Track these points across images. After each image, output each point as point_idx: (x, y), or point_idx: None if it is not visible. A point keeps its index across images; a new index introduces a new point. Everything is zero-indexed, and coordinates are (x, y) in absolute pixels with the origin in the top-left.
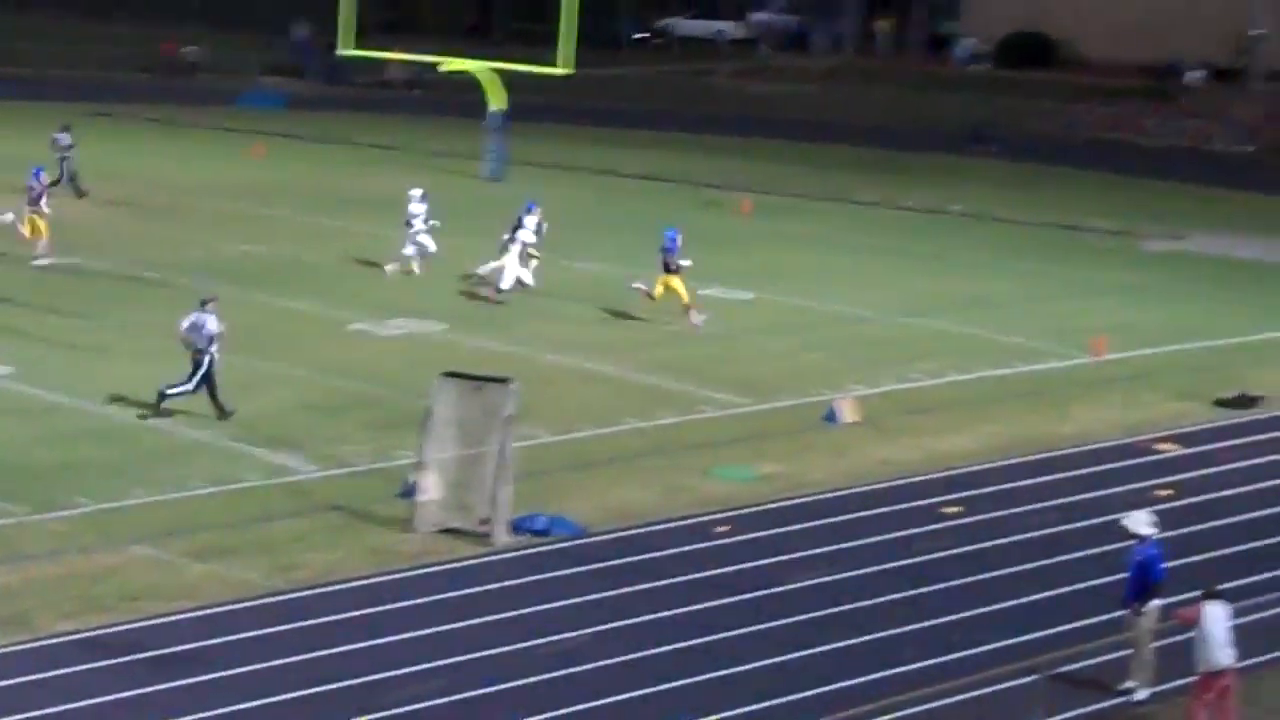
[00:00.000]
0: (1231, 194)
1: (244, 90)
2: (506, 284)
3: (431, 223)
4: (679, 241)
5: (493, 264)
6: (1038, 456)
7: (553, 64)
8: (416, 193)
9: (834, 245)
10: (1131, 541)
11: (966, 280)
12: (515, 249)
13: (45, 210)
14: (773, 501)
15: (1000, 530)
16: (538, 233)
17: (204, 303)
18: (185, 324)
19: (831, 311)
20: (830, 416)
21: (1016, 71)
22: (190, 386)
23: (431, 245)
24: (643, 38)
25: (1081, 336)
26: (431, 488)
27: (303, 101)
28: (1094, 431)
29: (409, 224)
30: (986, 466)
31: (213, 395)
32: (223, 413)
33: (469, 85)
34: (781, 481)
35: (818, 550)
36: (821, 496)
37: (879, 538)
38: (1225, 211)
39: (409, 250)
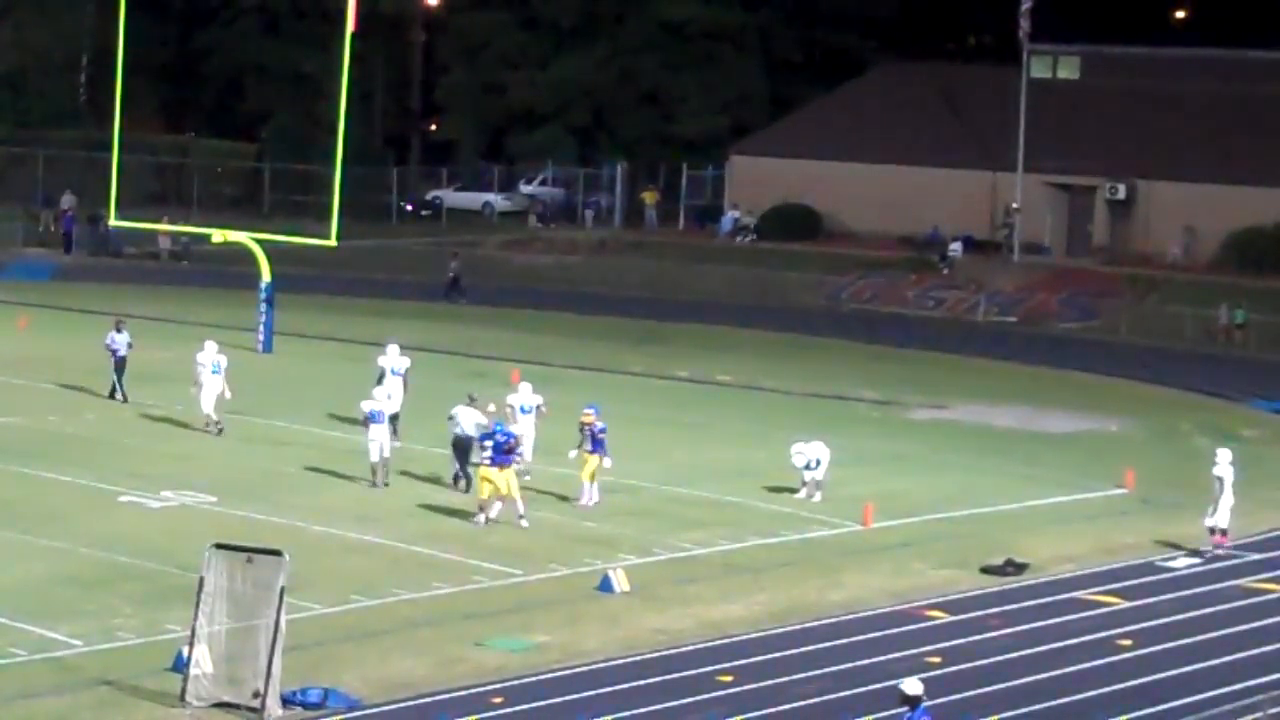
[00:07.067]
0: (992, 364)
1: (8, 262)
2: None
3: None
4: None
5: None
6: (809, 624)
7: (320, 235)
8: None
9: (603, 416)
10: (903, 709)
11: (734, 449)
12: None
13: None
14: (547, 672)
15: (774, 698)
16: None
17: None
18: None
19: (602, 482)
20: (606, 586)
21: (781, 243)
22: None
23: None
24: (411, 209)
25: (850, 505)
26: (203, 661)
27: (69, 273)
28: (864, 599)
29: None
30: (759, 634)
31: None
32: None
33: (237, 256)
34: (555, 651)
35: None
36: (596, 666)
37: (653, 707)
38: (987, 381)
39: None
